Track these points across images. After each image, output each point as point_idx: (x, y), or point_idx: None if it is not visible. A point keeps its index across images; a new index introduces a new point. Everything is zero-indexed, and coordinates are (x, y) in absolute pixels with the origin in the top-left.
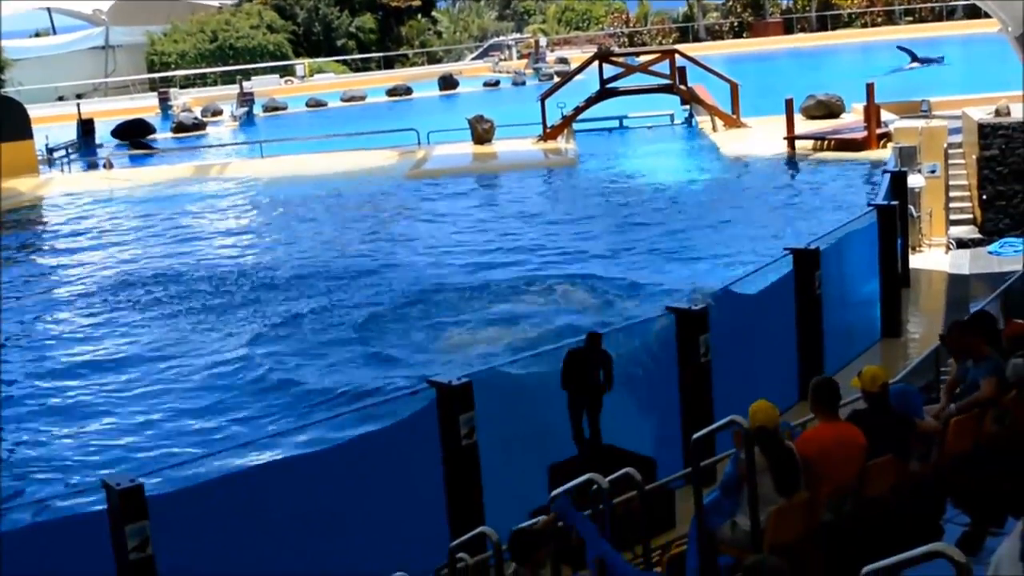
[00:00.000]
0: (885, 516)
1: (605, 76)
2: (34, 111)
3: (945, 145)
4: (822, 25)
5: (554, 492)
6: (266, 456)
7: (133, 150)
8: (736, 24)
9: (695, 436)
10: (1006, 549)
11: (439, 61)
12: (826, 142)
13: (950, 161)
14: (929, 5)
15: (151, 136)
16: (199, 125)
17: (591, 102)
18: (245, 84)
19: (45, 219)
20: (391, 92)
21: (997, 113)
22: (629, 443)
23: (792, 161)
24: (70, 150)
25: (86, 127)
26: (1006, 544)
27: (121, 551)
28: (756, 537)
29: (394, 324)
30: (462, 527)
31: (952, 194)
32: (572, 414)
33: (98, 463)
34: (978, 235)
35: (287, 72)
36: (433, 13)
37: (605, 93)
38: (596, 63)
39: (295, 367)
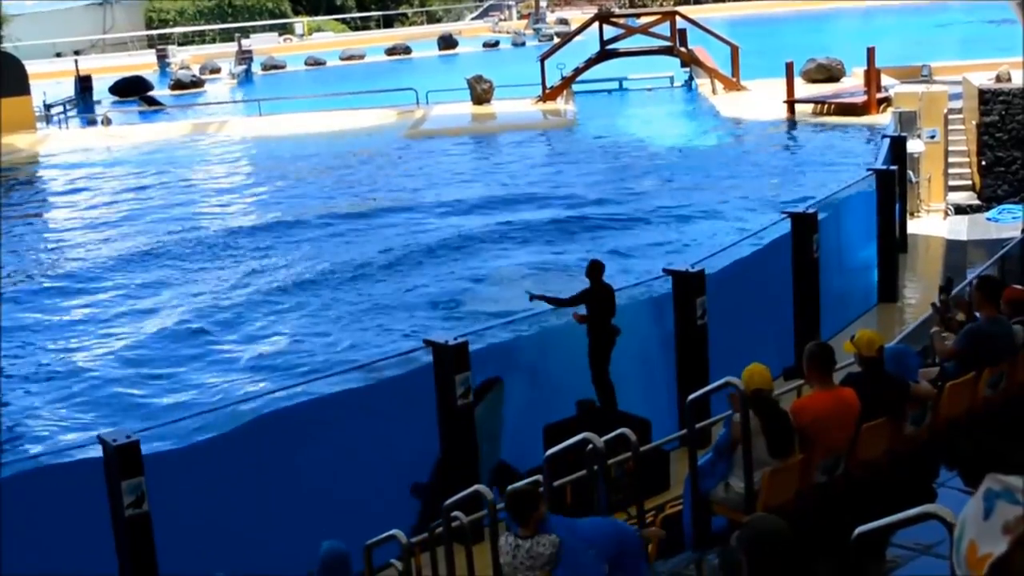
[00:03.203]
0: (879, 479)
1: (605, 37)
2: (32, 67)
3: (945, 110)
4: None
5: (549, 452)
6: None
7: (144, 105)
8: None
9: (690, 398)
10: (970, 510)
11: (439, 21)
12: (826, 106)
13: (950, 127)
14: None
15: (150, 92)
16: (197, 83)
17: (591, 63)
18: (244, 42)
19: (42, 175)
20: (390, 51)
21: (998, 79)
22: (624, 404)
23: (791, 124)
24: (68, 106)
25: (84, 83)
26: (970, 504)
27: (117, 506)
28: (750, 499)
29: (392, 283)
30: (457, 486)
31: (951, 160)
32: (596, 358)
33: (93, 420)
34: (976, 201)
35: (286, 30)
36: None
37: (605, 55)
38: (596, 24)
39: (293, 325)
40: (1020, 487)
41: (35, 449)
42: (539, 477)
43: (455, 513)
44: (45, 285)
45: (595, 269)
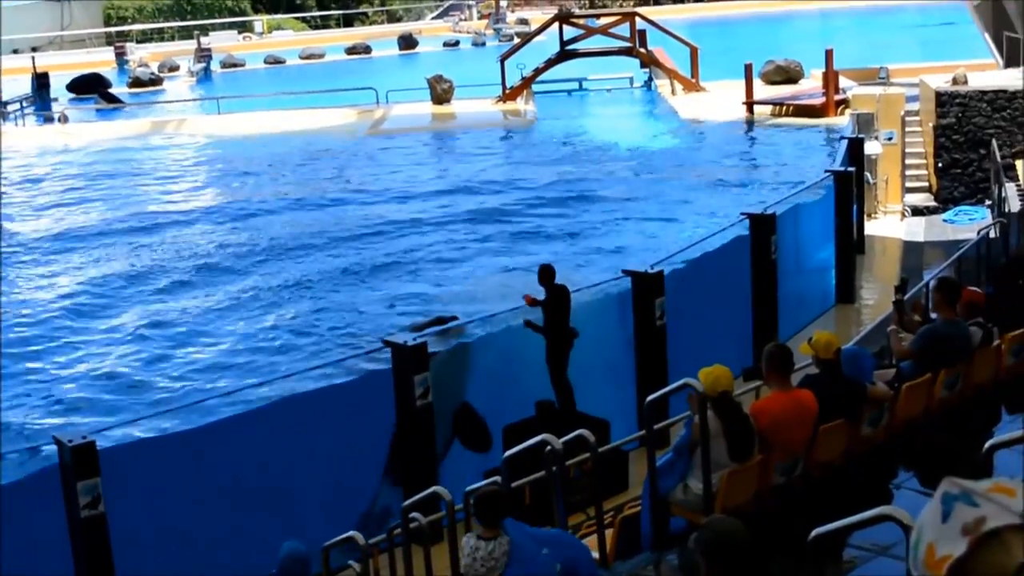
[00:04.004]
0: (836, 480)
1: (565, 38)
2: None
3: (902, 112)
4: None
5: (507, 453)
6: (219, 414)
7: (102, 102)
8: None
9: (649, 398)
10: (928, 513)
11: (399, 20)
12: (784, 107)
13: (907, 128)
14: None
15: (108, 90)
16: (156, 80)
17: (551, 64)
18: (203, 40)
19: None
20: (350, 50)
21: (954, 81)
22: (583, 405)
23: (750, 126)
24: (24, 104)
25: (41, 80)
26: (928, 508)
27: (73, 508)
28: (708, 500)
29: (352, 282)
30: (416, 487)
31: (908, 161)
32: (555, 359)
33: (51, 421)
34: (933, 203)
35: (245, 28)
36: None
37: (565, 55)
38: (556, 25)
39: (252, 324)
40: (977, 490)
41: None
42: (498, 478)
43: (413, 514)
44: None
45: (547, 273)
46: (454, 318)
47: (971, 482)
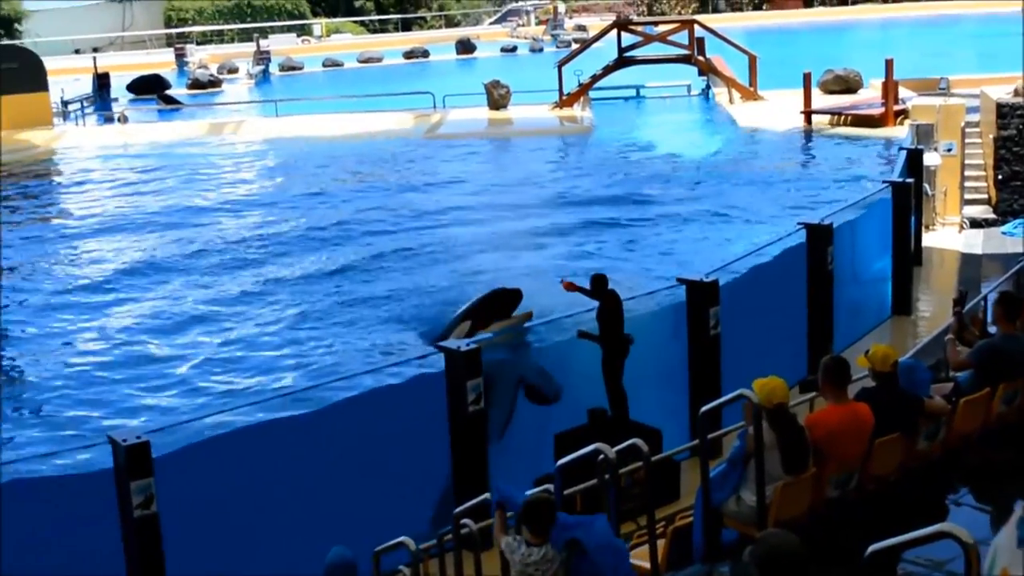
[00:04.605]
0: (891, 494)
1: (623, 45)
2: (50, 63)
3: (962, 124)
4: None
5: (560, 461)
6: (274, 415)
7: (162, 104)
8: None
9: (703, 409)
10: (1003, 538)
11: (457, 25)
12: (843, 117)
13: (967, 140)
14: None
15: (167, 91)
16: (215, 82)
17: (608, 70)
18: (262, 42)
19: (58, 171)
20: (408, 55)
21: (1016, 93)
22: (635, 413)
23: (808, 135)
24: (85, 103)
25: (102, 81)
26: (1004, 532)
27: (126, 507)
28: (761, 512)
29: (406, 287)
30: (467, 493)
31: (967, 173)
32: (610, 367)
33: (106, 419)
34: (992, 215)
35: (304, 31)
36: None
37: (623, 62)
38: (614, 31)
39: (306, 328)
40: None
41: (42, 449)
42: (550, 486)
43: (464, 520)
44: (53, 284)
45: (600, 282)
46: (517, 291)
47: None
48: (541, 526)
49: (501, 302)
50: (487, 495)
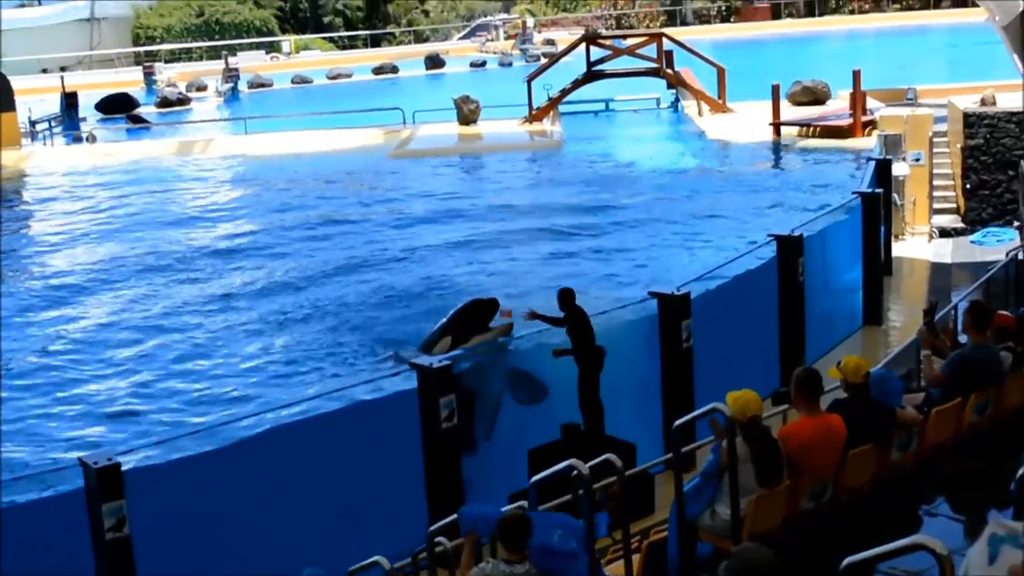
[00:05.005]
0: (865, 505)
1: (592, 59)
2: (17, 83)
3: (930, 133)
4: (810, 11)
5: (534, 478)
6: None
7: (130, 123)
8: (724, 9)
9: (676, 422)
10: (975, 554)
11: (426, 40)
12: (811, 128)
13: (935, 150)
14: None
15: (136, 110)
16: (184, 100)
17: (577, 84)
18: (231, 60)
19: (27, 192)
20: (377, 70)
21: (983, 102)
22: (609, 426)
23: (777, 147)
24: (53, 123)
25: (70, 100)
26: (976, 548)
27: (98, 530)
28: (736, 525)
29: (377, 303)
30: (441, 511)
31: (936, 183)
32: (586, 381)
33: (77, 440)
34: (961, 224)
35: (273, 48)
36: None
37: (592, 76)
38: (583, 45)
39: (277, 346)
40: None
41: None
42: (524, 502)
43: (439, 539)
44: (25, 302)
45: (567, 297)
46: (494, 301)
47: (1018, 523)
48: (518, 542)
49: (478, 313)
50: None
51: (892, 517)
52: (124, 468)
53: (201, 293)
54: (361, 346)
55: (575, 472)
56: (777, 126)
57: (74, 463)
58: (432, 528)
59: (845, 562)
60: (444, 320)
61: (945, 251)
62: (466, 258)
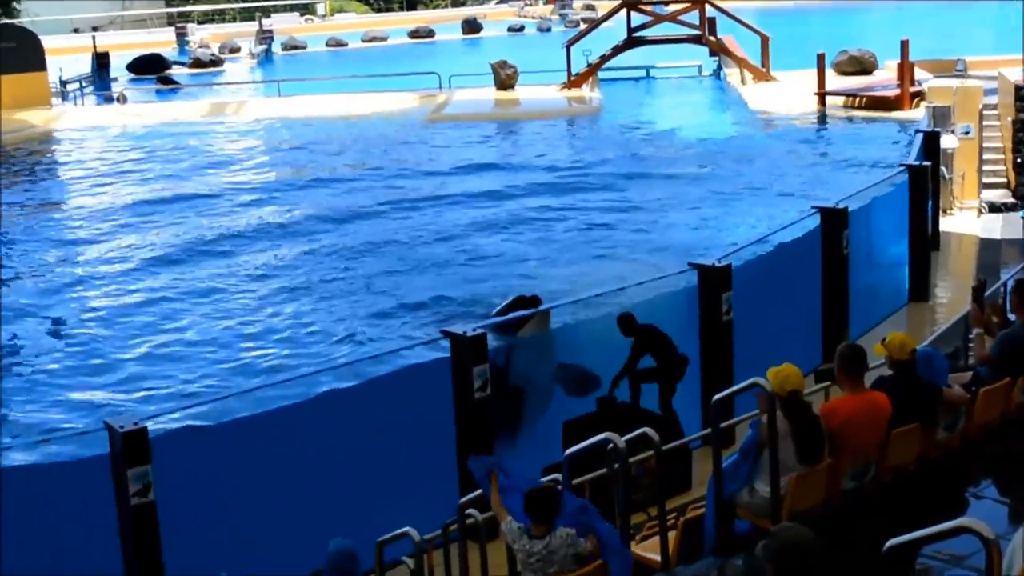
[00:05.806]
0: (910, 486)
1: (633, 24)
2: (49, 42)
3: (980, 106)
4: None
5: (568, 451)
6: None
7: (159, 84)
8: None
9: (716, 397)
10: (1020, 539)
11: (463, 4)
12: (857, 99)
13: (984, 122)
14: None
15: (167, 71)
16: (216, 62)
17: (617, 51)
18: (264, 21)
19: (56, 152)
20: (413, 34)
21: None
22: (646, 401)
23: (822, 117)
24: (84, 83)
25: (101, 60)
26: (1021, 533)
27: (122, 495)
28: (775, 504)
29: (410, 271)
30: (472, 483)
31: (985, 156)
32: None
33: (104, 405)
34: (1011, 199)
35: (307, 10)
36: None
37: (632, 42)
38: (624, 11)
39: (309, 312)
40: None
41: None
42: (558, 476)
43: (470, 511)
44: (53, 264)
45: (628, 322)
46: (535, 298)
47: None
48: (544, 516)
49: (524, 309)
50: None
51: (937, 499)
52: (152, 433)
53: (229, 261)
54: (393, 315)
55: (611, 445)
56: (822, 96)
57: (100, 427)
58: (463, 500)
59: (888, 544)
60: (492, 319)
61: (995, 227)
62: (502, 226)
